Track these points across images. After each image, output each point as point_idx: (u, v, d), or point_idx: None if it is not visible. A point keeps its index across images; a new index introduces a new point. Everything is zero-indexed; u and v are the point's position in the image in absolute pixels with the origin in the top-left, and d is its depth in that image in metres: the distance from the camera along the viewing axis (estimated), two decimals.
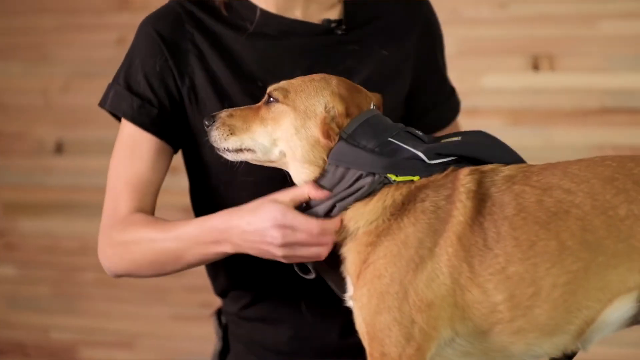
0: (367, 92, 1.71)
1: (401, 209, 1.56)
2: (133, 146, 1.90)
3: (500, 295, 1.48)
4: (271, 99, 1.68)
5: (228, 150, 1.70)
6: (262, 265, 1.81)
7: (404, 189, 1.57)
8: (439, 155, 1.60)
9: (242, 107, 1.73)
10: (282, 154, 1.67)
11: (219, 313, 2.12)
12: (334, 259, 1.66)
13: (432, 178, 1.57)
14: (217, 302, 3.93)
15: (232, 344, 2.07)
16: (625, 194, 1.47)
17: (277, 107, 1.67)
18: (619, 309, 1.48)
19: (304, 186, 1.65)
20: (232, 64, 1.89)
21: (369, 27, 1.98)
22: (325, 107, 1.63)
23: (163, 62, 1.89)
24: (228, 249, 1.72)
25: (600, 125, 3.48)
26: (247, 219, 1.67)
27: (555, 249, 1.47)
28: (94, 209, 4.04)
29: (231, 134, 1.69)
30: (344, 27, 1.95)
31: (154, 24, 1.92)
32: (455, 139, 1.64)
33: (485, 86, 3.57)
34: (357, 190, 1.59)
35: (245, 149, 1.69)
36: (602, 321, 1.49)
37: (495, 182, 1.55)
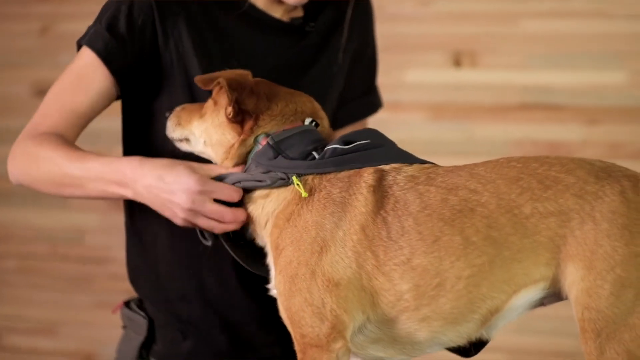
0: (306, 99, 1.80)
1: (302, 199, 1.64)
2: (84, 78, 1.94)
3: (406, 285, 1.54)
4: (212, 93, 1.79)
5: (173, 139, 1.84)
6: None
7: (310, 183, 1.65)
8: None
9: (195, 103, 1.85)
10: (205, 144, 1.79)
11: (134, 303, 2.12)
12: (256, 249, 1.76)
13: (335, 175, 1.65)
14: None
15: (161, 331, 2.07)
16: (530, 193, 1.52)
17: (208, 103, 1.78)
18: (524, 298, 1.55)
19: (220, 166, 1.76)
20: (217, 38, 1.97)
21: (328, 23, 2.09)
22: (229, 97, 1.71)
23: (149, 20, 1.93)
24: (129, 194, 1.80)
25: (520, 120, 3.54)
26: (159, 173, 1.75)
27: (459, 244, 1.53)
28: (16, 196, 4.03)
29: (178, 124, 1.83)
30: (312, 24, 2.05)
31: None
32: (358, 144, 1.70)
33: (408, 81, 3.62)
34: (260, 180, 1.68)
35: (184, 139, 1.83)
36: (507, 309, 1.55)
37: (397, 180, 1.61)
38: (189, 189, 1.71)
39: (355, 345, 1.62)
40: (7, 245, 4.08)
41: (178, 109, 1.84)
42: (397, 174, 1.62)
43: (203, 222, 1.73)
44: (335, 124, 2.10)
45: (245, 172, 1.72)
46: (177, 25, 1.95)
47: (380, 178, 1.62)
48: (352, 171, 1.64)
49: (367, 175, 1.62)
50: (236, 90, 1.71)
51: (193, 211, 1.72)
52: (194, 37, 1.95)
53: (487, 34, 3.56)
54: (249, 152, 1.73)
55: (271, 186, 1.67)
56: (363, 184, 1.61)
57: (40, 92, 3.93)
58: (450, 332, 1.57)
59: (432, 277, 1.54)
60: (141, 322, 2.07)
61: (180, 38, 1.95)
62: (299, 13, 2.07)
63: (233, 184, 1.71)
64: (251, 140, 1.72)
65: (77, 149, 1.88)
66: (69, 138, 1.92)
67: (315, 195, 1.63)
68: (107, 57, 1.91)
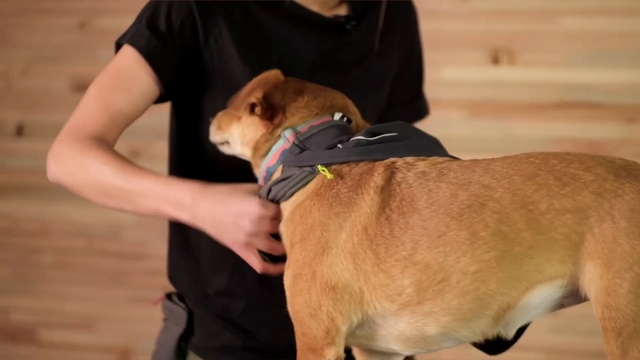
0: (336, 95, 1.80)
1: (317, 195, 1.64)
2: (126, 77, 1.94)
3: (407, 280, 1.54)
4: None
5: (215, 143, 1.87)
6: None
7: (326, 179, 1.66)
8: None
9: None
10: (242, 145, 1.82)
11: (175, 296, 2.15)
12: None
13: (348, 169, 1.65)
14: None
15: (198, 324, 2.10)
16: (546, 189, 1.50)
17: (244, 107, 1.79)
18: (539, 296, 1.53)
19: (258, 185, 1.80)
20: (257, 35, 2.00)
21: (372, 22, 2.09)
22: (256, 95, 1.74)
23: (188, 19, 1.95)
24: (184, 217, 1.81)
25: (558, 119, 3.52)
26: (223, 198, 1.77)
27: (466, 239, 1.51)
28: (54, 191, 4.05)
29: (218, 129, 1.85)
30: (354, 22, 2.06)
31: None
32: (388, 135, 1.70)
33: (446, 78, 3.60)
34: (287, 177, 1.69)
35: (225, 142, 1.86)
36: (522, 307, 1.53)
37: (407, 177, 1.60)
38: (252, 212, 1.74)
39: (364, 337, 1.63)
40: (45, 240, 4.11)
41: (220, 113, 1.86)
42: (408, 171, 1.61)
43: (263, 244, 1.77)
44: None
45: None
46: (217, 24, 1.97)
47: (390, 176, 1.61)
48: (365, 168, 1.64)
49: (377, 175, 1.62)
50: (262, 87, 1.74)
51: (255, 234, 1.75)
52: (233, 34, 1.97)
53: (525, 31, 3.54)
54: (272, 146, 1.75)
55: (300, 182, 1.68)
56: (372, 184, 1.61)
57: (79, 87, 3.96)
58: (462, 328, 1.56)
59: (435, 272, 1.53)
60: (181, 313, 2.09)
61: (220, 36, 1.97)
62: (343, 11, 2.07)
63: (267, 194, 1.73)
64: (277, 132, 1.74)
65: (129, 162, 1.87)
66: (112, 139, 1.93)
67: (326, 192, 1.63)
68: (149, 55, 1.92)
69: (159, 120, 3.82)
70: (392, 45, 2.14)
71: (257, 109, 1.74)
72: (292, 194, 1.69)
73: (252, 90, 1.76)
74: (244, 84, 1.83)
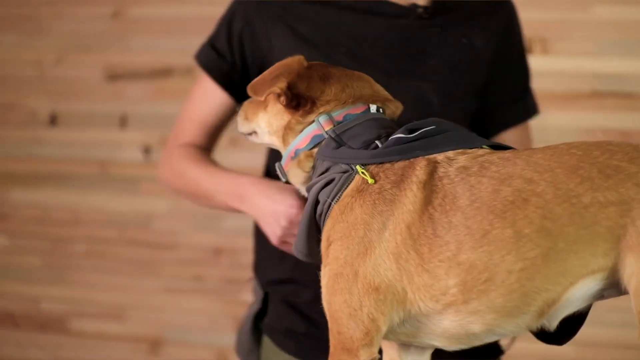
0: (365, 82, 1.77)
1: (358, 192, 1.62)
2: (204, 90, 2.18)
3: (452, 280, 1.52)
4: None
5: (243, 133, 1.87)
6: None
7: (371, 172, 1.63)
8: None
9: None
10: (269, 134, 1.80)
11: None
12: None
13: (392, 165, 1.63)
14: (210, 274, 3.95)
15: (270, 305, 2.21)
16: (590, 182, 1.48)
17: (270, 96, 1.78)
18: (582, 289, 1.51)
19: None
20: (319, 31, 2.07)
21: (454, 14, 2.10)
22: (279, 85, 1.73)
23: (247, 28, 2.10)
24: (244, 207, 1.97)
25: (591, 109, 3.50)
26: (271, 192, 1.90)
27: (510, 237, 1.49)
28: (86, 180, 4.08)
29: (245, 119, 1.85)
30: (428, 11, 2.07)
31: None
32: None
33: None
34: (330, 180, 1.67)
35: (253, 132, 1.85)
36: (565, 300, 1.51)
37: (448, 173, 1.58)
38: (289, 210, 1.85)
39: (405, 334, 1.61)
40: (76, 230, 4.12)
41: (246, 103, 1.85)
42: (450, 165, 1.59)
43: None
44: (488, 133, 2.13)
45: (314, 173, 1.72)
46: (278, 25, 2.06)
47: (432, 171, 1.59)
48: (407, 162, 1.61)
49: (419, 169, 1.59)
50: (284, 76, 1.71)
51: (289, 232, 1.86)
52: (296, 32, 2.03)
53: (558, 20, 3.52)
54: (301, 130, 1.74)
55: (344, 184, 1.65)
56: (414, 179, 1.58)
57: (112, 76, 3.97)
58: (506, 324, 1.54)
59: (480, 272, 1.50)
60: (259, 293, 2.24)
61: (283, 36, 2.05)
62: (424, 1, 2.08)
63: (315, 198, 1.71)
64: (310, 118, 1.72)
65: (210, 162, 2.13)
66: (206, 145, 2.19)
67: (369, 188, 1.60)
68: (210, 69, 2.15)
69: None
70: (481, 39, 2.12)
71: (282, 99, 1.73)
72: (340, 198, 1.65)
73: (275, 77, 1.73)
74: None
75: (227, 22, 2.14)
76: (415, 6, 2.06)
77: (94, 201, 4.07)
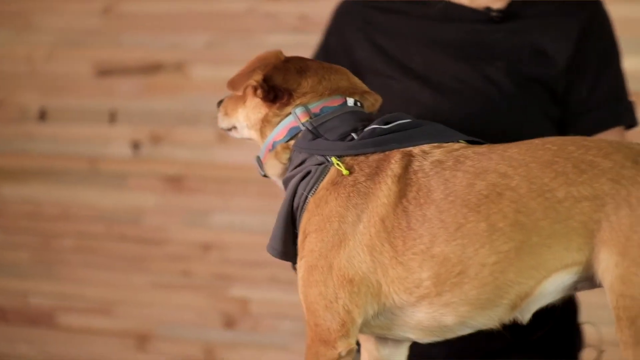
0: (342, 75, 1.78)
1: (333, 184, 1.62)
2: None
3: (425, 273, 1.53)
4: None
5: (223, 129, 1.85)
6: None
7: (346, 164, 1.63)
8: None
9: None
10: (248, 128, 1.79)
11: None
12: None
13: (367, 158, 1.63)
14: (198, 270, 3.96)
15: None
16: (564, 177, 1.49)
17: (247, 89, 1.77)
18: (555, 283, 1.52)
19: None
20: (394, 42, 2.11)
21: (527, 19, 2.08)
22: (255, 77, 1.73)
23: (340, 38, 2.18)
24: None
25: None
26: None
27: (484, 231, 1.50)
28: (76, 176, 4.08)
29: (225, 114, 1.83)
30: (500, 15, 2.06)
31: (344, 4, 2.22)
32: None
33: None
34: (307, 172, 1.67)
35: (232, 128, 1.83)
36: (538, 294, 1.53)
37: (423, 166, 1.58)
38: None
39: (380, 327, 1.62)
40: (65, 224, 4.12)
41: (226, 98, 1.84)
42: (424, 159, 1.60)
43: None
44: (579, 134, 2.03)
45: (290, 164, 1.72)
46: (361, 37, 2.13)
47: (407, 164, 1.59)
48: (382, 155, 1.62)
49: (394, 162, 1.60)
50: (261, 69, 1.71)
51: None
52: (374, 42, 2.10)
53: None
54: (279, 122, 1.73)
55: (321, 176, 1.65)
56: (389, 172, 1.59)
57: (102, 72, 3.97)
58: (479, 317, 1.55)
59: (453, 265, 1.52)
60: None
61: (365, 48, 2.12)
62: (499, 4, 2.07)
63: (293, 192, 1.71)
64: (287, 110, 1.71)
65: None
66: None
67: (343, 181, 1.61)
68: None
69: (180, 106, 3.85)
70: (553, 45, 2.07)
71: (259, 92, 1.72)
72: (316, 190, 1.65)
73: (251, 71, 1.73)
74: (393, 91, 1.96)
75: (328, 30, 2.20)
76: (489, 10, 2.06)
77: (83, 196, 4.07)
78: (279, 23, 3.72)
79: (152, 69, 3.92)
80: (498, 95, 2.03)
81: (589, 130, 2.06)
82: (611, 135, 2.10)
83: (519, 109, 2.01)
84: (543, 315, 1.64)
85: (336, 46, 2.16)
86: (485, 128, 1.79)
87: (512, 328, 1.65)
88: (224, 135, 3.56)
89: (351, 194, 1.59)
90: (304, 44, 3.56)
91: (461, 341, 1.67)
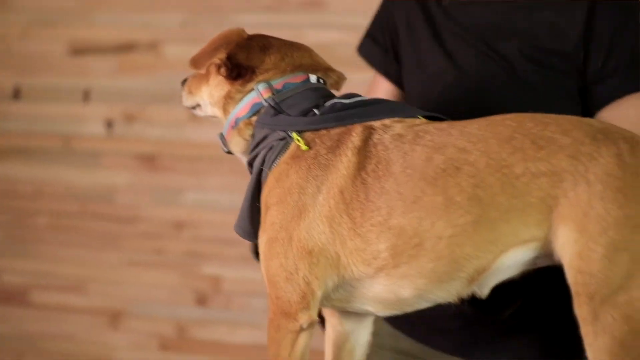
0: (304, 52, 1.79)
1: (294, 158, 1.63)
2: (374, 83, 2.21)
3: (383, 245, 1.54)
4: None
5: (188, 108, 1.86)
6: None
7: (307, 139, 1.64)
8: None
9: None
10: (212, 105, 1.80)
11: None
12: None
13: (328, 132, 1.64)
14: (171, 248, 3.96)
15: None
16: (522, 153, 1.49)
17: (211, 67, 1.78)
18: (513, 257, 1.53)
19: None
20: (427, 31, 2.10)
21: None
22: (218, 55, 1.74)
23: (391, 26, 2.15)
24: None
25: None
26: None
27: (441, 204, 1.51)
28: (50, 154, 4.08)
29: (189, 93, 1.84)
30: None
31: None
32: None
33: None
34: (269, 149, 1.68)
35: (196, 106, 1.84)
36: (495, 268, 1.53)
37: (383, 140, 1.59)
38: None
39: (339, 300, 1.63)
40: (38, 203, 4.12)
41: (190, 77, 1.84)
42: (385, 132, 1.61)
43: None
44: (595, 104, 1.99)
45: (253, 140, 1.72)
46: (400, 34, 2.12)
47: (368, 137, 1.61)
48: (343, 128, 1.63)
49: (355, 135, 1.61)
50: (224, 47, 1.73)
51: None
52: (405, 42, 2.10)
53: None
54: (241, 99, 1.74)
55: (282, 150, 1.66)
56: (349, 144, 1.60)
57: (76, 51, 3.97)
58: (437, 290, 1.56)
59: (410, 237, 1.53)
60: None
61: (400, 45, 2.11)
62: None
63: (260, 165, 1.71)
64: (250, 86, 1.72)
65: None
66: None
67: (304, 154, 1.62)
68: (367, 58, 2.19)
69: (154, 85, 3.86)
70: (567, 17, 1.99)
71: (222, 70, 1.73)
72: (276, 164, 1.66)
73: (215, 50, 1.74)
74: (418, 94, 1.99)
75: (378, 14, 2.19)
76: None
77: (57, 175, 4.07)
78: (253, 2, 3.73)
79: (126, 48, 3.92)
80: (519, 74, 1.99)
81: (606, 99, 1.97)
82: (632, 102, 1.97)
83: (540, 85, 1.97)
84: (510, 292, 1.66)
85: (387, 22, 2.16)
86: (507, 106, 1.73)
87: (480, 306, 1.67)
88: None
89: (311, 166, 1.60)
90: (278, 24, 3.61)
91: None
